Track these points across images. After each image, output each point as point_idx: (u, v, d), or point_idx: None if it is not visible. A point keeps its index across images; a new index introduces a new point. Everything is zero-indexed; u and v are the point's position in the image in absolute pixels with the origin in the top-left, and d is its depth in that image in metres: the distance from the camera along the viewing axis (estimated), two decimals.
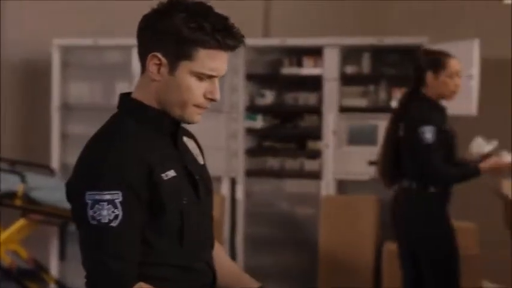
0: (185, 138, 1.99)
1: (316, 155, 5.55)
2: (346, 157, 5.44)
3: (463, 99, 4.73)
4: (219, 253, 2.10)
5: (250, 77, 5.67)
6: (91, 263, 1.79)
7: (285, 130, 5.76)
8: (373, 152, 5.33)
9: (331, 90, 5.47)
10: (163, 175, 1.83)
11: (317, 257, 5.32)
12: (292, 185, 5.68)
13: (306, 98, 5.64)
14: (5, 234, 4.85)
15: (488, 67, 5.15)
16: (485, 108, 5.16)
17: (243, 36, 1.87)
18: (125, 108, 1.92)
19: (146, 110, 1.89)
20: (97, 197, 1.76)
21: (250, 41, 5.97)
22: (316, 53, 5.52)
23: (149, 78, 1.87)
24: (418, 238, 3.88)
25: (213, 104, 6.05)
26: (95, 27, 5.89)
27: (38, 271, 5.13)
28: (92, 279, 1.80)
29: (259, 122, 5.68)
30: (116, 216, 1.76)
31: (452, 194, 4.01)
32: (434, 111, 3.91)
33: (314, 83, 5.53)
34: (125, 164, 1.79)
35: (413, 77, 3.96)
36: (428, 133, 3.85)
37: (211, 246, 2.03)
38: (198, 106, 1.87)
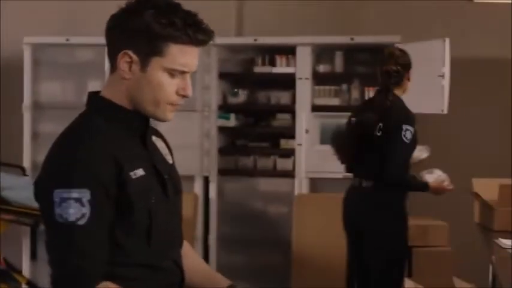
0: (154, 138, 1.99)
1: (289, 153, 5.56)
2: (319, 156, 5.45)
3: (434, 98, 4.78)
4: (189, 252, 2.10)
5: (223, 76, 5.67)
6: (56, 261, 1.78)
7: (257, 129, 5.77)
8: None
9: (303, 89, 5.48)
10: (131, 174, 1.82)
11: (290, 255, 5.33)
12: (265, 184, 5.69)
13: (278, 97, 5.65)
14: None
15: (459, 66, 5.20)
16: (456, 107, 5.20)
17: (213, 32, 1.87)
18: (94, 107, 1.91)
19: (116, 109, 1.88)
20: (65, 195, 1.75)
21: (223, 40, 6.01)
22: (288, 51, 5.54)
23: (120, 76, 1.87)
24: (378, 234, 3.90)
25: (186, 102, 6.01)
26: (67, 25, 5.85)
27: (9, 271, 5.09)
28: (57, 277, 1.79)
29: (232, 121, 5.68)
30: (83, 215, 1.75)
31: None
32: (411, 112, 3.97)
33: (287, 82, 5.54)
34: (94, 162, 1.78)
35: (389, 76, 3.98)
36: (409, 133, 3.90)
37: (180, 245, 2.03)
38: (171, 104, 1.87)
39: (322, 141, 5.45)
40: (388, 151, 3.84)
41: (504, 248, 3.46)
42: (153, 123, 1.96)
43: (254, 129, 5.78)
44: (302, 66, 5.47)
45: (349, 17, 5.80)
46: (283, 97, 5.65)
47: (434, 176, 4.04)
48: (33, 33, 5.74)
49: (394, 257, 3.91)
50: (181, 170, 6.06)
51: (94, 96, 1.94)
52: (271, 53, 5.65)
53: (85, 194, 1.75)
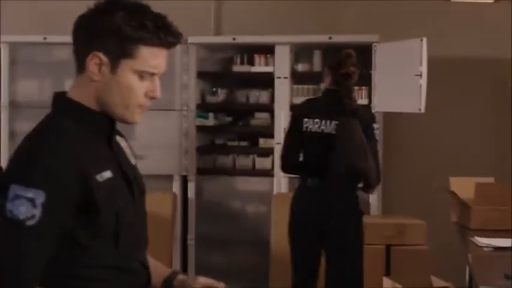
0: (117, 138, 1.98)
1: (268, 152, 5.57)
2: None
3: (412, 97, 4.80)
4: None
5: (201, 75, 5.66)
6: None
7: (236, 128, 5.77)
8: None
9: (282, 88, 5.49)
10: (98, 177, 1.81)
11: (269, 255, 5.33)
12: (244, 183, 5.69)
13: (257, 96, 5.66)
14: None
15: (437, 66, 5.23)
16: (434, 106, 5.23)
17: (181, 34, 1.88)
18: (61, 108, 1.89)
19: (84, 111, 1.87)
20: (19, 192, 1.73)
21: (201, 39, 6.00)
22: (267, 51, 5.54)
23: (88, 78, 1.85)
24: (345, 232, 4.04)
25: (165, 102, 5.97)
26: (44, 24, 5.81)
27: None
28: None
29: (210, 120, 5.68)
30: (33, 216, 1.73)
31: None
32: None
33: (265, 81, 5.55)
34: (57, 165, 1.76)
35: (350, 78, 4.08)
36: (377, 131, 4.05)
37: (145, 246, 2.02)
38: (140, 106, 1.87)
39: None
40: (365, 151, 3.95)
41: (480, 246, 3.48)
42: (119, 125, 1.94)
43: (233, 128, 5.78)
44: (281, 66, 5.48)
45: (328, 16, 5.81)
46: (261, 96, 5.65)
47: None
48: (11, 31, 5.70)
49: (361, 251, 4.10)
50: (160, 169, 6.07)
51: (61, 97, 1.91)
52: (249, 52, 5.65)
53: (40, 196, 1.73)
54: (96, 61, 1.83)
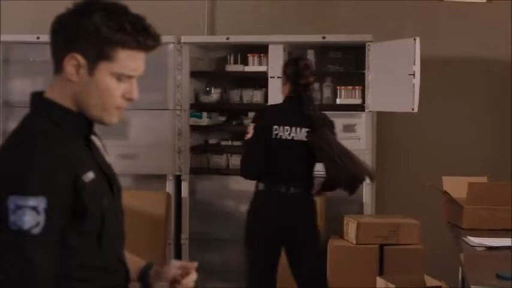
0: (92, 137, 1.98)
1: None
2: None
3: (405, 96, 4.80)
4: None
5: (195, 75, 5.65)
6: (7, 267, 1.75)
7: (230, 127, 5.76)
8: None
9: (276, 87, 5.46)
10: (84, 177, 1.81)
11: None
12: (237, 182, 5.66)
13: (251, 96, 5.65)
14: None
15: (430, 65, 5.24)
16: (427, 106, 5.24)
17: (160, 36, 1.87)
18: (40, 109, 1.88)
19: (62, 112, 1.86)
20: (20, 202, 1.72)
21: (194, 38, 5.98)
22: (261, 50, 5.53)
23: (66, 79, 1.84)
24: (310, 235, 4.22)
25: (158, 101, 5.94)
26: (38, 23, 5.78)
27: None
28: (7, 283, 1.75)
29: (204, 120, 5.67)
30: (38, 223, 1.73)
31: None
32: None
33: (259, 81, 5.54)
34: (52, 168, 1.76)
35: (309, 87, 4.30)
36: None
37: (124, 244, 2.03)
38: (117, 107, 1.87)
39: None
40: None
41: (472, 246, 3.49)
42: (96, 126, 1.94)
43: (226, 127, 5.77)
44: (274, 65, 5.46)
45: (321, 15, 5.81)
46: (255, 96, 5.64)
47: None
48: (4, 31, 5.68)
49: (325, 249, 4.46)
50: (154, 169, 6.05)
51: (39, 98, 1.90)
52: (243, 51, 5.65)
53: (41, 202, 1.73)
54: (74, 63, 1.82)
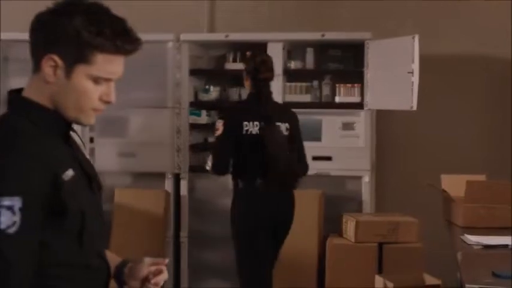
0: (72, 134, 1.96)
1: None
2: None
3: (404, 94, 4.79)
4: None
5: (194, 73, 5.65)
6: None
7: None
8: (317, 147, 5.39)
9: (275, 85, 5.44)
10: (64, 176, 1.80)
11: None
12: None
13: None
14: None
15: (429, 63, 5.23)
16: (426, 104, 5.23)
17: (140, 40, 1.86)
18: (17, 107, 1.87)
19: (39, 110, 1.85)
20: None
21: (194, 36, 5.97)
22: (260, 48, 5.52)
23: (43, 79, 1.83)
24: (289, 223, 4.43)
25: (157, 99, 5.93)
26: None
27: None
28: None
29: (203, 118, 5.67)
30: (14, 223, 1.72)
31: None
32: None
33: None
34: (28, 167, 1.75)
35: (269, 82, 4.45)
36: None
37: (105, 242, 2.05)
38: (94, 109, 1.86)
39: None
40: (300, 148, 4.44)
41: (469, 244, 3.48)
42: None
43: None
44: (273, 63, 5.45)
45: (321, 13, 5.80)
46: None
47: None
48: (3, 29, 5.68)
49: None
50: (153, 167, 6.05)
51: (16, 96, 1.89)
52: (242, 49, 5.64)
53: (16, 202, 1.72)
54: (51, 64, 1.81)
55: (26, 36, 5.84)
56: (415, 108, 4.75)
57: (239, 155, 4.32)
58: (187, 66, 5.55)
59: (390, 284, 4.53)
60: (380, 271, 4.89)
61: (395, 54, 4.96)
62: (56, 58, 1.80)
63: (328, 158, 5.41)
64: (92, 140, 5.59)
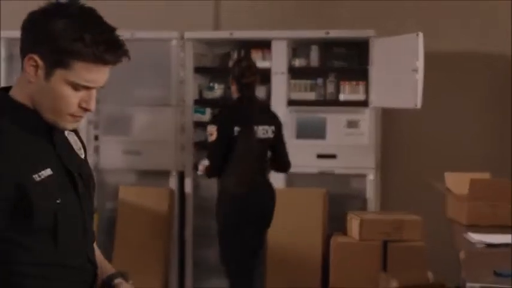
0: (67, 132, 1.96)
1: None
2: (294, 150, 5.43)
3: (408, 92, 4.78)
4: None
5: (198, 70, 5.64)
6: None
7: None
8: (322, 145, 5.38)
9: (279, 83, 5.47)
10: (35, 176, 1.80)
11: (266, 249, 5.32)
12: None
13: None
14: None
15: (433, 61, 5.21)
16: (431, 102, 5.21)
17: (125, 51, 1.83)
18: (0, 105, 1.87)
19: (21, 109, 1.85)
20: None
21: (198, 34, 5.97)
22: (264, 46, 5.52)
23: (27, 78, 1.84)
24: (269, 214, 4.68)
25: (161, 97, 5.92)
26: None
27: None
28: None
29: (207, 115, 5.65)
30: None
31: None
32: None
33: (263, 76, 5.51)
34: None
35: (254, 87, 4.65)
36: None
37: (92, 241, 2.02)
38: (71, 115, 1.85)
39: (298, 136, 5.46)
40: (283, 147, 4.70)
41: (472, 243, 3.46)
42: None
43: None
44: (278, 61, 5.46)
45: (325, 11, 5.79)
46: (259, 91, 5.61)
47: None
48: (9, 27, 5.68)
49: None
50: (157, 165, 6.05)
51: (0, 94, 1.90)
52: (247, 47, 5.63)
53: None
54: (32, 63, 1.81)
55: None
56: (419, 106, 4.73)
57: (233, 157, 4.50)
58: (191, 64, 5.55)
59: (394, 282, 4.52)
60: (384, 269, 4.88)
61: (399, 52, 4.94)
62: (37, 58, 1.80)
63: (333, 156, 5.39)
64: (96, 137, 5.61)
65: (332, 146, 5.40)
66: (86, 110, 1.85)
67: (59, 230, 1.84)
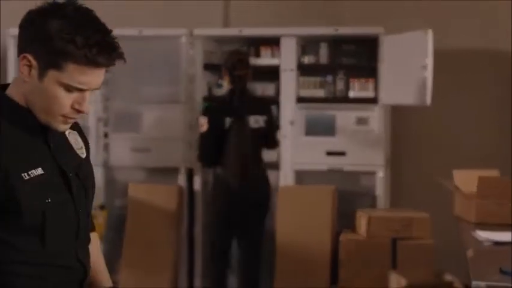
0: (68, 131, 1.96)
1: None
2: (303, 147, 5.44)
3: (417, 89, 4.76)
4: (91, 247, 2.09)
5: (207, 67, 5.64)
6: None
7: None
8: (331, 142, 5.38)
9: (288, 80, 5.46)
10: (24, 175, 1.80)
11: (274, 246, 5.32)
12: None
13: (263, 89, 5.63)
14: None
15: (442, 58, 5.18)
16: (442, 99, 5.19)
17: (121, 54, 1.81)
18: None
19: (15, 108, 1.85)
20: None
21: (207, 31, 5.96)
22: (273, 43, 5.51)
23: (21, 77, 1.84)
24: (263, 204, 4.91)
25: (170, 95, 5.93)
26: None
27: None
28: None
29: None
30: None
31: None
32: None
33: (272, 74, 5.52)
34: None
35: (247, 79, 4.86)
36: None
37: (85, 242, 2.01)
38: (64, 116, 1.84)
39: (308, 133, 5.45)
40: (274, 129, 5.03)
41: (480, 241, 3.44)
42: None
43: None
44: (287, 58, 5.45)
45: (334, 8, 5.77)
46: (268, 88, 5.62)
47: None
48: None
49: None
50: (166, 162, 6.06)
51: None
52: (256, 44, 5.62)
53: None
54: (26, 63, 1.81)
55: None
56: (429, 103, 4.71)
57: (225, 147, 4.73)
58: (200, 61, 5.55)
59: (403, 280, 4.51)
60: (393, 267, 4.86)
61: (409, 49, 4.91)
62: (31, 58, 1.80)
63: (342, 153, 5.38)
64: (106, 135, 5.62)
65: (341, 143, 5.39)
66: (78, 111, 1.84)
67: (47, 229, 1.84)
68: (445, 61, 5.39)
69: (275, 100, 5.48)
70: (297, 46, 5.45)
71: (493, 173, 4.28)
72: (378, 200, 5.38)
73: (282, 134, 5.44)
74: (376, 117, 5.34)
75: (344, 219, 5.29)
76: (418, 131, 5.73)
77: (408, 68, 4.89)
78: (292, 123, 5.42)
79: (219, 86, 5.69)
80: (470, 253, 3.26)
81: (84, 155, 2.00)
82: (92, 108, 5.45)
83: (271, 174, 5.49)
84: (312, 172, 5.46)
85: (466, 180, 4.18)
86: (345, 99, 5.44)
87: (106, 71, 1.87)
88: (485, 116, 5.64)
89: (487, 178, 3.99)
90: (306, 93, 5.50)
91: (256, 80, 5.64)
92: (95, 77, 1.82)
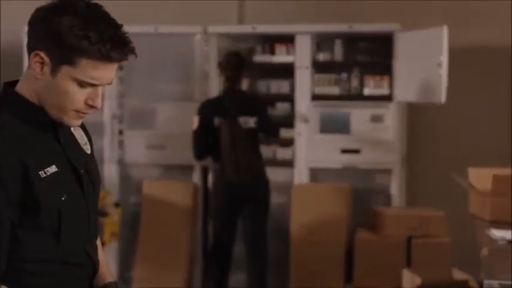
0: (72, 128, 1.96)
1: (288, 143, 5.53)
2: (318, 145, 5.42)
3: (432, 87, 4.73)
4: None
5: None
6: None
7: None
8: (346, 140, 5.36)
9: (303, 77, 5.45)
10: (41, 173, 1.80)
11: (289, 244, 5.31)
12: None
13: (278, 86, 5.62)
14: None
15: (457, 55, 5.14)
16: (458, 96, 5.15)
17: (131, 48, 1.82)
18: (5, 101, 1.87)
19: (27, 105, 1.85)
20: None
21: (221, 29, 5.96)
22: (288, 40, 5.50)
23: (32, 74, 1.84)
24: (261, 197, 5.09)
25: (184, 92, 5.96)
26: None
27: None
28: None
29: None
30: None
31: None
32: None
33: (286, 71, 5.51)
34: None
35: (240, 80, 5.03)
36: None
37: (95, 238, 2.02)
38: (77, 111, 1.84)
39: (322, 131, 5.43)
40: (266, 122, 5.08)
41: (494, 239, 3.42)
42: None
43: None
44: (302, 55, 5.43)
45: (349, 5, 5.74)
46: (282, 86, 5.61)
47: None
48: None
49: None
50: (180, 159, 6.08)
51: (6, 89, 1.90)
52: (271, 41, 5.61)
53: None
54: (39, 60, 1.81)
55: None
56: (443, 101, 4.68)
57: (214, 142, 4.94)
58: (215, 59, 5.54)
59: (418, 279, 4.48)
60: (408, 265, 4.84)
61: (424, 46, 4.88)
62: (43, 55, 1.80)
63: (357, 151, 5.36)
64: (121, 132, 5.63)
65: (356, 140, 5.37)
66: (92, 107, 1.85)
67: (62, 226, 1.85)
68: (461, 58, 5.36)
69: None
70: (311, 43, 5.43)
71: (508, 171, 4.25)
72: (393, 198, 5.35)
73: (296, 132, 5.43)
74: (391, 115, 5.32)
75: (359, 218, 5.27)
76: (434, 129, 5.69)
77: (423, 65, 4.86)
78: (306, 120, 5.40)
79: None
80: (484, 252, 3.24)
81: (89, 151, 2.00)
82: (107, 105, 5.48)
83: (285, 172, 5.51)
84: (326, 170, 5.44)
85: (481, 178, 4.16)
86: (359, 97, 5.42)
87: (118, 67, 1.88)
88: (500, 113, 5.59)
89: (502, 176, 3.96)
90: (320, 90, 5.48)
91: (271, 78, 5.66)
92: (107, 72, 1.82)
